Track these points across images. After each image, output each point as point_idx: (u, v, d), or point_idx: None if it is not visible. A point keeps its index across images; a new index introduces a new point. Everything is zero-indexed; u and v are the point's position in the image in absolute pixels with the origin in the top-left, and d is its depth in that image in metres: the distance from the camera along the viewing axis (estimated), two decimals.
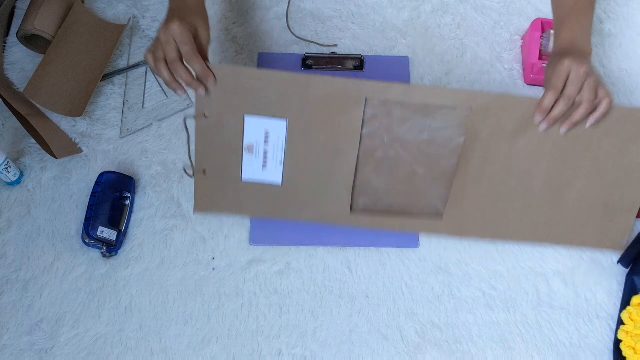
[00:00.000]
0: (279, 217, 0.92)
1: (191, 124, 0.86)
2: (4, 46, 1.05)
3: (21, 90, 1.00)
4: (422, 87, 0.98)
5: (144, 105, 1.03)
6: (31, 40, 1.02)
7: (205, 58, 0.81)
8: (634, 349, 0.85)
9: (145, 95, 1.03)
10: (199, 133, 0.87)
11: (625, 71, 1.07)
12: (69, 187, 0.97)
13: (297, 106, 0.86)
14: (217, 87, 0.84)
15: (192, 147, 0.88)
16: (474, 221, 0.91)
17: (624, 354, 0.86)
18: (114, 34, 1.05)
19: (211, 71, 0.81)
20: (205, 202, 0.91)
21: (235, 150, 0.88)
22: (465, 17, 1.11)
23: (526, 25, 1.09)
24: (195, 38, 0.80)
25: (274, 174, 0.90)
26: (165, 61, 0.79)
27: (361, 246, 0.94)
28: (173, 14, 0.81)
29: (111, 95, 1.03)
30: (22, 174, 0.97)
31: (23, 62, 1.05)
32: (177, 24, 0.77)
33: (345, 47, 1.08)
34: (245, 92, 0.84)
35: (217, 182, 0.90)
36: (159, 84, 1.04)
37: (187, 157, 0.91)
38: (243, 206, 0.91)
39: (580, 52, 0.84)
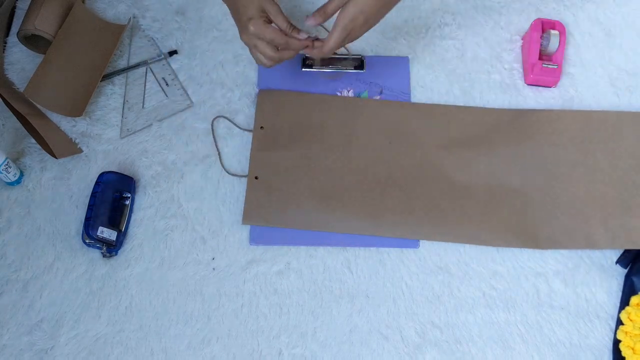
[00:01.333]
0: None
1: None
2: (4, 46, 1.05)
3: (21, 90, 1.00)
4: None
5: (144, 105, 1.03)
6: (31, 40, 1.02)
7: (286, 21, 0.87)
8: (632, 348, 0.86)
9: (145, 95, 1.03)
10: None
11: (625, 71, 1.07)
12: (69, 187, 0.97)
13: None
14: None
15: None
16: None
17: (623, 354, 0.86)
18: (114, 34, 1.05)
19: (297, 30, 0.88)
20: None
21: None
22: (465, 17, 1.11)
23: (526, 25, 1.09)
24: (270, 16, 0.86)
25: None
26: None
27: (361, 246, 0.94)
28: (242, 10, 0.86)
29: (111, 95, 1.03)
30: (22, 174, 0.97)
31: (23, 62, 1.05)
32: (253, 25, 0.85)
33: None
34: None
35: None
36: (159, 84, 1.04)
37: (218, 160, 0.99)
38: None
39: None
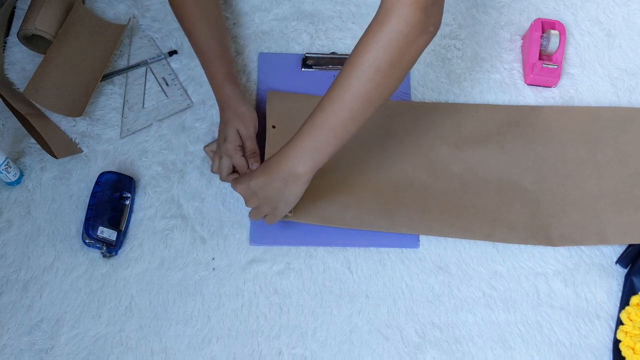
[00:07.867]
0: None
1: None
2: (5, 46, 1.05)
3: (21, 90, 1.00)
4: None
5: (144, 105, 1.03)
6: (32, 40, 1.02)
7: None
8: (632, 348, 0.86)
9: (145, 95, 1.03)
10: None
11: (625, 71, 1.07)
12: (69, 187, 0.97)
13: None
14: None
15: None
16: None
17: (623, 353, 0.86)
18: (114, 34, 1.05)
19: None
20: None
21: None
22: (465, 17, 1.11)
23: (526, 25, 1.09)
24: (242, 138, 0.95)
25: None
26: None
27: (361, 246, 0.94)
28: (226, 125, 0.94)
29: (111, 95, 1.03)
30: (22, 174, 0.97)
31: (23, 62, 1.04)
32: (232, 153, 0.93)
33: (346, 47, 1.08)
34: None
35: None
36: (159, 84, 1.04)
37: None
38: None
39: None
